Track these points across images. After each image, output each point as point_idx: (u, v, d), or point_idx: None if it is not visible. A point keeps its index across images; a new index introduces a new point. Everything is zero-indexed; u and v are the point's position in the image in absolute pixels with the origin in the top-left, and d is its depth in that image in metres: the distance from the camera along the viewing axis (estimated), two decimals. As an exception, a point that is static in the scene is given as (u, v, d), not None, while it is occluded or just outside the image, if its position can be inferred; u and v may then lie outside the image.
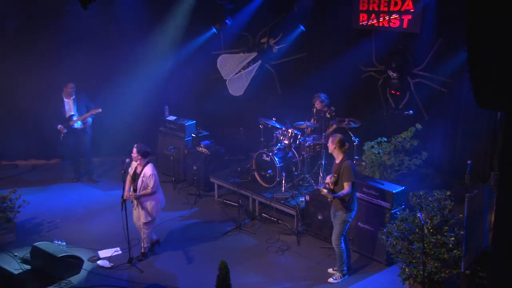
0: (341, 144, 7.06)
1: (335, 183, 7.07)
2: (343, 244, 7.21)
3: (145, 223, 7.69)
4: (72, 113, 10.31)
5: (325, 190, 7.03)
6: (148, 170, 7.56)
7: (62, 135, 10.30)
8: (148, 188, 7.53)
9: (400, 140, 8.80)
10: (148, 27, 10.99)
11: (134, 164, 7.77)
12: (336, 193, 7.00)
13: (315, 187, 9.08)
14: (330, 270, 7.55)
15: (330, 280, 7.34)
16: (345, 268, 7.35)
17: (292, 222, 8.75)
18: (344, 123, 8.99)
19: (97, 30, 10.73)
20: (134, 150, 7.60)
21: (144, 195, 7.56)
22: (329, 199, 7.12)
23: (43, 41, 10.66)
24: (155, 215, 7.73)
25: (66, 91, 10.24)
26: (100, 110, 10.33)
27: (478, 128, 8.98)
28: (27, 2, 10.67)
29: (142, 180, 7.56)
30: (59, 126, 10.23)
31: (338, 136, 7.18)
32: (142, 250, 7.90)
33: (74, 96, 10.30)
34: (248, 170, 9.92)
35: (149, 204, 7.62)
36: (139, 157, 7.61)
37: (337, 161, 7.12)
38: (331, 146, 7.15)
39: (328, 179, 7.18)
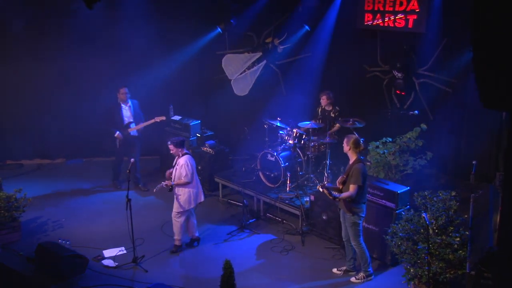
0: (355, 145, 6.99)
1: (343, 183, 7.05)
2: (363, 244, 7.14)
3: (175, 213, 7.89)
4: (131, 120, 10.10)
5: (321, 189, 7.01)
6: (182, 160, 7.78)
7: (119, 142, 10.04)
8: (182, 178, 7.69)
9: (405, 140, 8.78)
10: (153, 27, 10.99)
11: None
12: (343, 193, 6.99)
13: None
14: (334, 270, 7.54)
15: (352, 279, 7.30)
16: (370, 269, 7.28)
17: (296, 222, 8.75)
18: (349, 123, 8.98)
19: (102, 30, 10.74)
20: (170, 146, 7.84)
21: (178, 184, 7.75)
22: (330, 197, 7.08)
23: (49, 41, 10.69)
24: (186, 207, 7.86)
25: (120, 97, 9.95)
26: (164, 118, 10.12)
27: (483, 128, 8.95)
28: (33, 2, 10.71)
29: (176, 169, 7.79)
30: (116, 134, 9.94)
31: (354, 137, 7.13)
32: (175, 243, 8.06)
33: (130, 103, 10.07)
34: (253, 170, 9.92)
35: (181, 195, 7.82)
36: (176, 149, 7.83)
37: (350, 162, 7.06)
38: (345, 146, 7.08)
39: (340, 179, 7.15)
